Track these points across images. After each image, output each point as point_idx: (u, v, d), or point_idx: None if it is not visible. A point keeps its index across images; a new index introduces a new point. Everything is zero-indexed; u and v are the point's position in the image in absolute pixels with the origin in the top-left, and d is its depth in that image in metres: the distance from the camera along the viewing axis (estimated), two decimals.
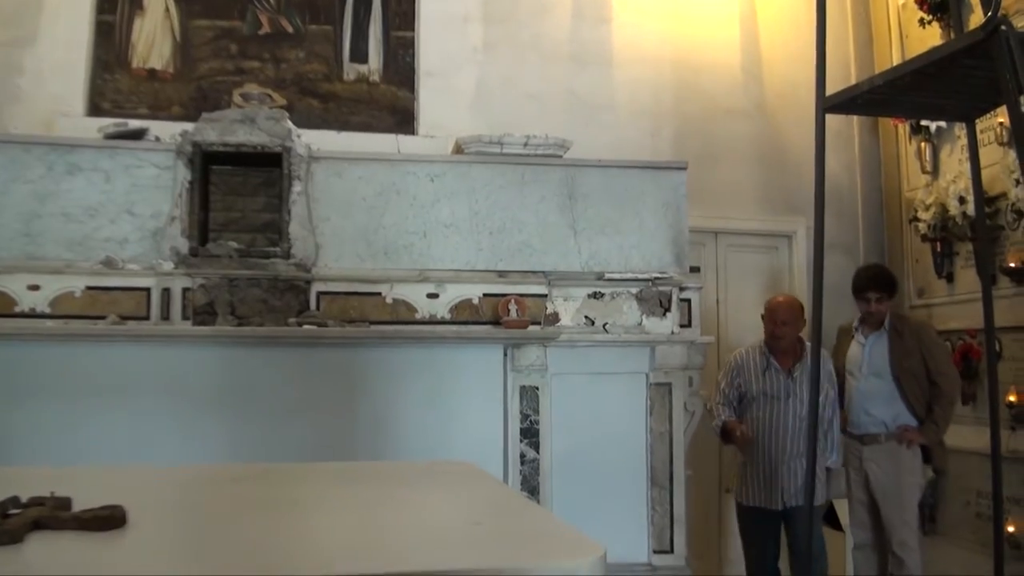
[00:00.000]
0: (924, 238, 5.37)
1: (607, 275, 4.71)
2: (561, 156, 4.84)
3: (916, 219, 5.43)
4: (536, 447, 4.53)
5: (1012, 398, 4.76)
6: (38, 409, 4.16)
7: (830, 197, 5.50)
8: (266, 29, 5.51)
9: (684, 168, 4.85)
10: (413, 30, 5.62)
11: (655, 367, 4.72)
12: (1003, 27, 2.47)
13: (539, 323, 4.62)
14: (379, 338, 4.33)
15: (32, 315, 4.46)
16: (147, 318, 4.52)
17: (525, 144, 4.78)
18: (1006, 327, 4.72)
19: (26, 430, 4.10)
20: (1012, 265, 4.79)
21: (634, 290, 4.73)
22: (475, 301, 4.66)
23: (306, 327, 4.30)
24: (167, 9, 5.47)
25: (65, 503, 1.41)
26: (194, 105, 5.39)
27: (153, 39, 5.45)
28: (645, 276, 4.68)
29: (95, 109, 5.37)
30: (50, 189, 4.60)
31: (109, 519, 1.33)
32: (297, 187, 4.68)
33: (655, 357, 4.71)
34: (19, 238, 4.57)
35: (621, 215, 4.80)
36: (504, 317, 4.47)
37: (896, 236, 5.84)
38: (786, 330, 4.62)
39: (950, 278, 5.33)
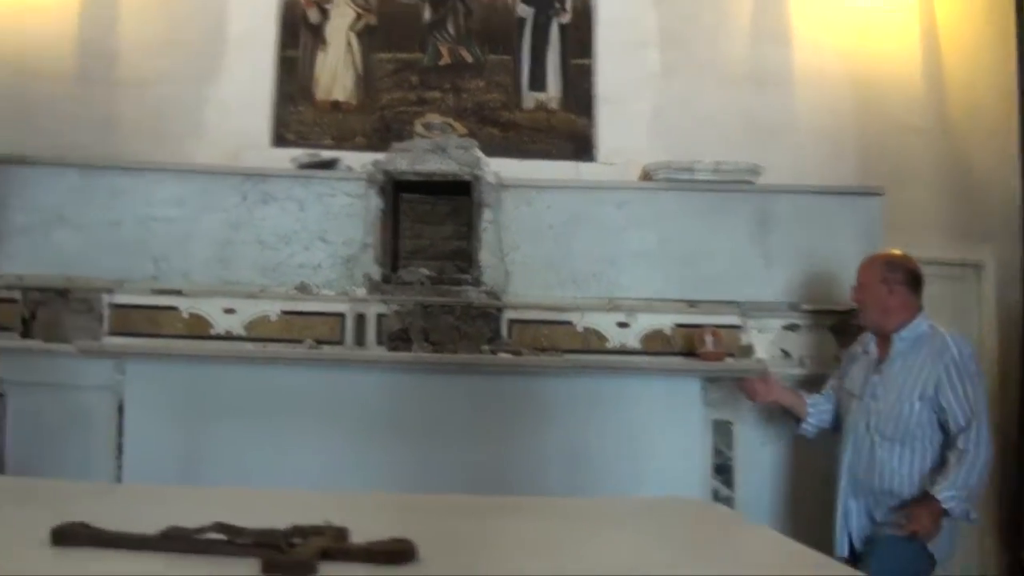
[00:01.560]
0: None
1: (803, 306, 4.56)
2: (752, 182, 4.73)
3: None
4: (730, 484, 4.40)
5: None
6: (234, 429, 4.18)
7: (1012, 221, 5.34)
8: (446, 60, 5.56)
9: (880, 194, 4.69)
10: (591, 57, 5.59)
11: None
12: None
13: (733, 355, 4.50)
14: (575, 367, 4.25)
15: (228, 337, 4.55)
16: (341, 342, 4.56)
17: (715, 170, 4.69)
18: None
19: (222, 450, 4.13)
20: None
21: (829, 322, 4.57)
22: (667, 331, 4.57)
23: (502, 355, 4.27)
24: (349, 43, 5.56)
25: (342, 533, 1.38)
26: (377, 135, 5.47)
27: (336, 72, 5.54)
28: (843, 308, 4.50)
29: (280, 140, 5.49)
30: (244, 217, 4.70)
31: (400, 553, 1.30)
32: (487, 215, 4.68)
33: None
34: (213, 264, 4.69)
35: (814, 243, 4.66)
36: (700, 348, 4.37)
37: None
38: (861, 297, 3.74)
39: None
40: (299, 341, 4.51)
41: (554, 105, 5.56)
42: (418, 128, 5.48)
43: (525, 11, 5.62)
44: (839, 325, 4.54)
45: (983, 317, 5.64)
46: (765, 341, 4.56)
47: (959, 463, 3.36)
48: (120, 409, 4.45)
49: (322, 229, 4.73)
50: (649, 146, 5.45)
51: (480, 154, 4.74)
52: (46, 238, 4.66)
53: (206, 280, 4.66)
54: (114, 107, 5.46)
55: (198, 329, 4.57)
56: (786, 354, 4.56)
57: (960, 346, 3.51)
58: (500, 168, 4.83)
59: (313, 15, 5.58)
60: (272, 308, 4.58)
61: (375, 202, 4.72)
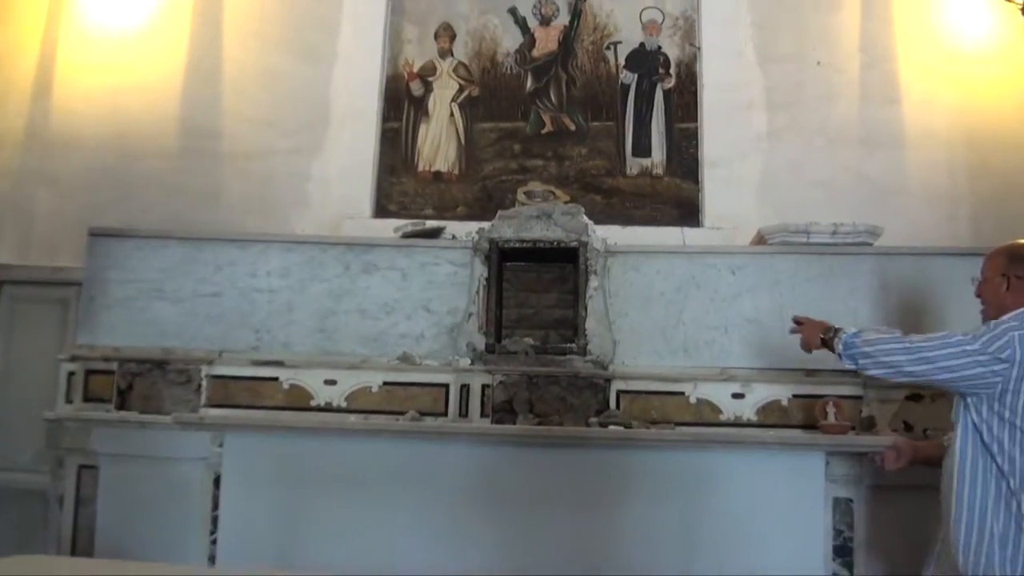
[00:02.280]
0: None
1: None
2: (871, 244, 4.52)
3: None
4: (850, 567, 4.09)
5: None
6: (334, 503, 4.04)
7: None
8: (548, 128, 5.50)
9: None
10: (696, 121, 5.47)
11: None
12: None
13: (854, 428, 4.24)
14: (692, 441, 4.03)
15: (329, 409, 4.47)
16: (445, 414, 4.45)
17: (833, 232, 4.49)
18: None
19: (321, 525, 3.98)
20: None
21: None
22: (784, 402, 4.35)
23: (612, 428, 4.10)
24: (452, 115, 5.55)
25: None
26: (479, 204, 5.41)
27: (439, 143, 5.52)
28: None
29: (381, 211, 5.47)
30: (346, 287, 4.65)
31: None
32: (594, 282, 4.55)
33: None
34: (315, 334, 4.65)
35: (935, 306, 4.40)
36: (821, 421, 4.13)
37: None
38: (981, 291, 3.26)
39: None
40: (401, 413, 4.41)
41: (659, 171, 5.44)
42: (520, 196, 5.41)
43: (629, 77, 5.54)
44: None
45: None
46: (887, 412, 4.29)
47: (891, 333, 3.31)
48: (216, 482, 4.38)
49: (425, 298, 4.65)
50: (757, 210, 5.31)
51: (587, 220, 4.63)
52: (145, 310, 4.67)
53: (307, 350, 4.61)
54: (219, 181, 5.50)
55: (298, 400, 4.51)
56: (908, 427, 4.28)
57: None
58: (604, 235, 4.70)
59: (416, 88, 5.58)
60: (374, 379, 4.50)
61: (479, 270, 4.63)
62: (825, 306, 4.41)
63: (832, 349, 3.35)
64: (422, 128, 5.55)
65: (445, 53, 5.61)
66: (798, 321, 3.62)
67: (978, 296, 3.28)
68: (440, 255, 4.70)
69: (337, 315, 4.65)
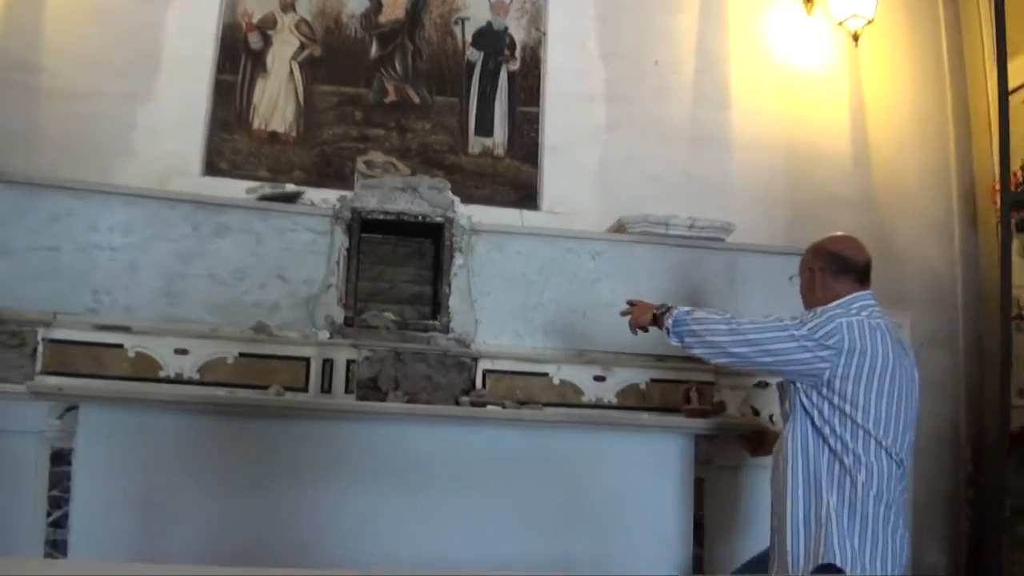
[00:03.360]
0: None
1: None
2: (724, 240, 4.77)
3: (1022, 317, 5.46)
4: (701, 543, 4.29)
5: None
6: (202, 485, 3.78)
7: (931, 290, 5.59)
8: (392, 98, 5.38)
9: None
10: (538, 106, 5.53)
11: None
12: None
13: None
14: (569, 421, 4.09)
15: (179, 380, 4.19)
16: (305, 389, 4.27)
17: (691, 226, 4.71)
18: None
19: (189, 508, 3.74)
20: None
21: None
22: (642, 386, 4.51)
23: (491, 407, 4.11)
24: (291, 72, 5.30)
25: None
26: (316, 170, 5.23)
27: (276, 102, 5.26)
28: None
29: (212, 169, 5.15)
30: (195, 249, 4.37)
31: None
32: (459, 260, 4.53)
33: None
34: (160, 298, 4.34)
35: (775, 301, 4.70)
36: (684, 405, 4.33)
37: (994, 334, 5.81)
38: (800, 285, 3.51)
39: None
40: (259, 387, 4.20)
41: (500, 151, 5.46)
42: (360, 166, 5.27)
43: (475, 55, 5.51)
44: None
45: None
46: (737, 399, 4.56)
47: (721, 314, 3.36)
48: (54, 459, 4.00)
49: (281, 266, 4.45)
50: (593, 198, 5.45)
51: (453, 196, 4.59)
52: None
53: (151, 316, 4.28)
54: (34, 119, 4.99)
55: (145, 370, 4.17)
56: (755, 411, 4.58)
57: None
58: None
59: (254, 40, 5.29)
60: (229, 350, 4.24)
61: (340, 240, 4.48)
62: (679, 296, 4.62)
63: (661, 326, 3.42)
64: (259, 84, 5.27)
65: (287, 7, 5.34)
66: (631, 303, 3.68)
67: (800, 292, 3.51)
68: (298, 221, 4.50)
69: (185, 279, 4.35)
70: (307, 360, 4.31)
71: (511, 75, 5.55)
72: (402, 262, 4.70)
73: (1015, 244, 5.61)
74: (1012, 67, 5.68)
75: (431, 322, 4.50)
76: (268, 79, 5.28)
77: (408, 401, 4.18)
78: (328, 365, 4.30)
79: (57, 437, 3.97)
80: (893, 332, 3.19)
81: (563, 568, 3.81)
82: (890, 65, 5.99)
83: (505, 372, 4.43)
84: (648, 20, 5.72)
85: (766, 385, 4.58)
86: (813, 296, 3.36)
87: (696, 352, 3.34)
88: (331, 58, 5.35)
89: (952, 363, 5.79)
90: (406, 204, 4.54)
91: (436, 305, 4.54)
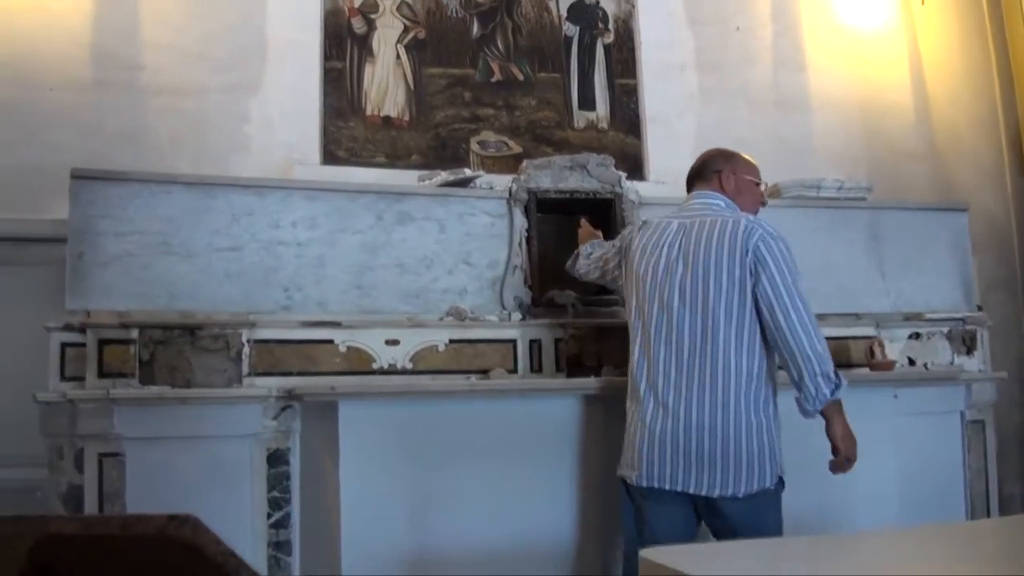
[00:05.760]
0: None
1: (927, 315, 4.83)
2: (866, 199, 4.97)
3: None
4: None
5: None
6: (463, 472, 3.73)
7: (990, 236, 5.95)
8: (497, 77, 5.34)
9: (965, 210, 5.08)
10: (635, 78, 5.59)
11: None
12: None
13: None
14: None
15: (393, 371, 4.11)
16: (515, 371, 4.24)
17: (839, 188, 4.88)
18: None
19: (451, 495, 3.69)
20: None
21: (945, 329, 4.88)
22: None
23: None
24: (398, 57, 5.20)
25: None
26: (433, 152, 5.16)
27: (386, 86, 5.16)
28: (959, 316, 4.83)
29: (331, 157, 5.03)
30: (381, 240, 4.27)
31: None
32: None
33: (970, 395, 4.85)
34: (351, 291, 4.22)
35: (918, 256, 4.95)
36: (871, 359, 4.50)
37: None
38: None
39: None
40: (471, 371, 4.16)
41: (603, 124, 5.50)
42: (474, 147, 5.24)
43: (571, 29, 5.53)
44: (952, 332, 4.87)
45: None
46: (895, 351, 4.76)
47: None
48: (271, 459, 3.91)
49: (465, 251, 4.39)
50: None
51: (619, 172, 4.61)
52: (148, 267, 3.95)
53: (345, 309, 4.16)
54: (142, 119, 4.75)
55: (358, 364, 4.07)
56: (912, 361, 4.80)
57: None
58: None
59: (358, 25, 5.17)
60: (439, 337, 4.18)
61: (520, 221, 4.45)
62: (831, 256, 4.80)
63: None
64: (367, 69, 5.15)
65: None
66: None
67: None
68: (476, 205, 4.44)
69: (373, 270, 4.24)
70: (513, 342, 4.27)
71: (607, 48, 5.59)
72: (565, 240, 4.68)
73: None
74: None
75: (611, 297, 4.51)
76: (376, 64, 5.16)
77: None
78: (535, 345, 4.27)
79: (273, 438, 3.89)
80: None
81: None
82: (940, 22, 6.30)
83: None
84: None
85: (918, 336, 4.82)
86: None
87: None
88: (435, 40, 5.28)
89: (1013, 304, 6.16)
90: (577, 182, 4.54)
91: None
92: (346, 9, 5.14)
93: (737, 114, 5.69)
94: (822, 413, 3.13)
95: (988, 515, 4.85)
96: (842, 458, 3.16)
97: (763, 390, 3.15)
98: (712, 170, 3.47)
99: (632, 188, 4.63)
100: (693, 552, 1.87)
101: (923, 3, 5.98)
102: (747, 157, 3.55)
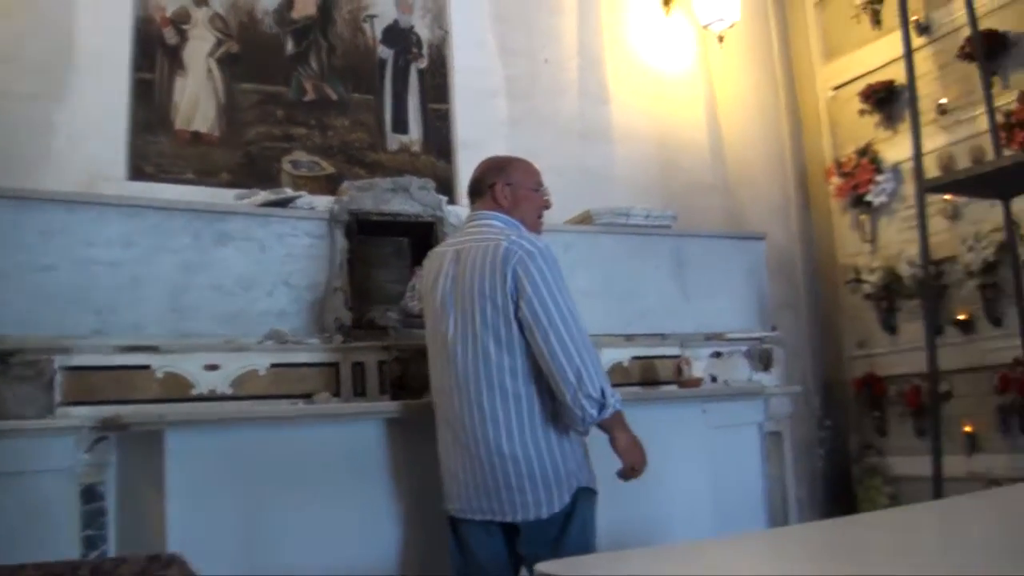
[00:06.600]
0: (868, 297, 6.32)
1: (727, 335, 5.13)
2: (671, 227, 5.22)
3: (858, 280, 6.38)
4: None
5: (968, 428, 5.73)
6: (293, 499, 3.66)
7: (777, 264, 6.40)
8: (311, 96, 5.28)
9: (763, 239, 5.43)
10: (447, 103, 5.66)
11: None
12: None
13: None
14: None
15: (213, 397, 3.99)
16: (338, 395, 4.21)
17: (647, 216, 5.10)
18: (956, 370, 5.68)
19: (286, 523, 3.63)
20: (960, 317, 5.80)
21: (744, 348, 5.19)
22: (625, 363, 4.86)
23: None
24: (210, 70, 5.06)
25: None
26: (243, 171, 5.04)
27: (197, 101, 5.00)
28: (756, 336, 5.16)
29: (138, 172, 4.82)
30: (199, 260, 4.15)
31: None
32: None
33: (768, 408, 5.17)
34: (169, 314, 4.08)
35: (718, 281, 5.26)
36: (678, 377, 4.73)
37: (832, 296, 6.76)
38: None
39: (893, 331, 6.32)
40: (295, 396, 4.10)
41: (417, 148, 5.53)
42: (285, 166, 5.16)
43: (386, 52, 5.53)
44: (750, 351, 5.19)
45: None
46: (699, 368, 5.03)
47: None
48: (84, 495, 3.70)
49: (285, 272, 4.33)
50: None
51: (440, 196, 4.67)
52: None
53: (162, 333, 4.02)
54: None
55: (176, 390, 3.90)
56: (713, 378, 5.09)
57: None
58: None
59: (170, 35, 4.99)
60: (260, 361, 4.09)
61: (340, 242, 4.43)
62: (640, 281, 5.03)
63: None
64: (178, 82, 4.97)
65: (200, 1, 5.08)
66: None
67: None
68: (297, 226, 4.39)
69: (191, 291, 4.11)
70: (336, 365, 4.23)
71: (421, 72, 5.62)
72: (384, 262, 4.70)
73: (846, 219, 6.55)
74: (833, 68, 6.64)
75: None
76: (187, 77, 5.00)
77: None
78: (359, 368, 4.26)
79: (86, 472, 3.72)
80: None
81: None
82: (736, 67, 6.70)
83: None
84: (535, 20, 6.02)
85: (720, 355, 5.12)
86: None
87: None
88: (248, 55, 5.16)
89: (797, 325, 6.60)
90: (400, 205, 4.57)
91: None
92: (158, 18, 4.95)
93: (545, 142, 5.81)
94: (604, 428, 3.22)
95: (786, 519, 5.20)
96: (627, 467, 3.24)
97: (545, 412, 3.20)
98: (486, 184, 3.47)
99: (453, 212, 4.69)
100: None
101: (721, 43, 6.31)
102: (523, 161, 3.57)
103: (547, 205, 3.61)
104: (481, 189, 3.47)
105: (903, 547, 1.95)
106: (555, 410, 3.20)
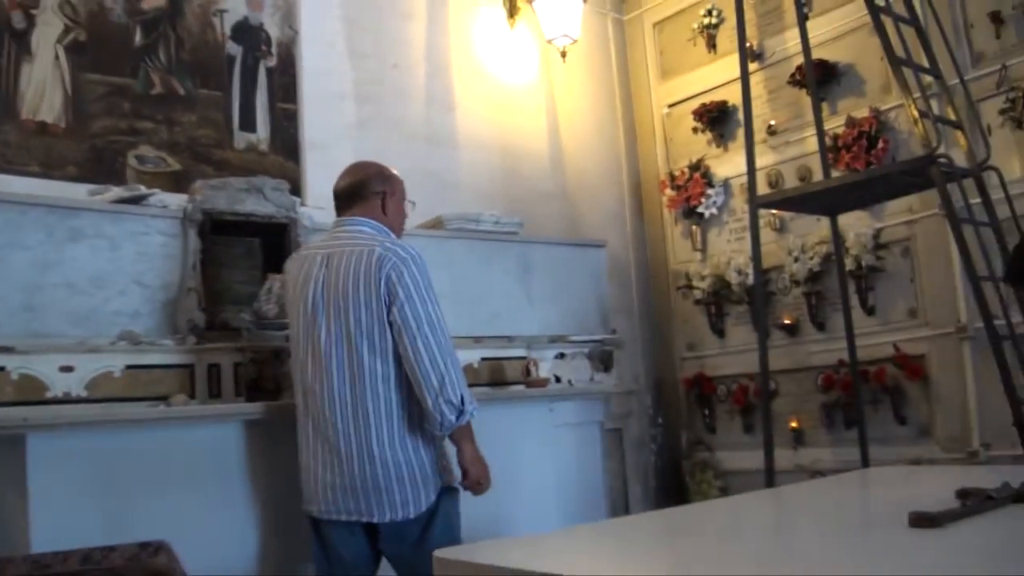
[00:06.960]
0: (698, 302, 6.76)
1: (571, 337, 5.40)
2: (518, 234, 5.43)
3: (689, 287, 6.81)
4: None
5: (793, 424, 6.28)
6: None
7: (613, 270, 6.77)
8: (158, 89, 5.20)
9: (603, 246, 5.74)
10: (295, 103, 5.68)
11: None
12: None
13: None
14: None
15: (68, 400, 3.94)
16: (193, 396, 4.23)
17: (496, 222, 5.30)
18: (782, 370, 6.25)
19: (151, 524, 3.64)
20: (786, 322, 6.33)
21: (586, 350, 5.47)
22: (475, 365, 5.05)
23: None
24: (57, 58, 4.93)
25: None
26: (89, 165, 4.94)
27: (44, 89, 4.87)
28: (598, 338, 5.45)
29: None
30: (52, 257, 4.09)
31: None
32: None
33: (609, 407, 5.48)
34: (22, 314, 3.99)
35: (562, 285, 5.55)
36: (526, 377, 4.96)
37: (664, 301, 7.16)
38: None
39: (721, 334, 6.77)
40: (148, 398, 4.09)
41: (264, 147, 5.54)
42: (131, 161, 5.09)
43: (234, 49, 5.50)
44: (591, 352, 5.49)
45: None
46: (544, 369, 5.28)
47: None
48: None
49: (138, 271, 4.30)
50: None
51: (294, 197, 4.73)
52: None
53: (16, 333, 3.93)
54: None
55: (30, 393, 3.82)
56: (557, 379, 5.35)
57: None
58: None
59: (18, 19, 4.82)
60: (115, 363, 4.06)
61: (194, 242, 4.43)
62: (488, 284, 5.24)
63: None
64: (24, 69, 4.83)
65: None
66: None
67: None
68: (150, 224, 4.36)
69: (44, 290, 4.03)
70: (191, 367, 4.25)
71: (269, 71, 5.62)
72: (234, 263, 4.72)
73: (678, 228, 6.96)
74: (668, 87, 7.03)
75: (284, 320, 4.60)
76: (34, 63, 4.86)
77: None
78: (214, 370, 4.28)
79: None
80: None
81: None
82: (577, 81, 7.05)
83: None
84: (385, 24, 6.09)
85: (563, 356, 5.38)
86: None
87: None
88: (96, 44, 5.04)
89: (631, 328, 6.95)
90: (254, 205, 4.60)
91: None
92: (5, 1, 4.78)
93: (392, 146, 5.92)
94: (452, 439, 3.44)
95: (627, 510, 5.53)
96: (473, 480, 3.49)
97: (413, 417, 3.41)
98: (373, 191, 3.68)
99: (307, 213, 4.75)
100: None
101: (564, 59, 6.57)
102: (397, 174, 3.83)
103: (407, 214, 3.89)
104: (364, 194, 3.63)
105: (737, 529, 2.22)
106: (421, 415, 3.39)
